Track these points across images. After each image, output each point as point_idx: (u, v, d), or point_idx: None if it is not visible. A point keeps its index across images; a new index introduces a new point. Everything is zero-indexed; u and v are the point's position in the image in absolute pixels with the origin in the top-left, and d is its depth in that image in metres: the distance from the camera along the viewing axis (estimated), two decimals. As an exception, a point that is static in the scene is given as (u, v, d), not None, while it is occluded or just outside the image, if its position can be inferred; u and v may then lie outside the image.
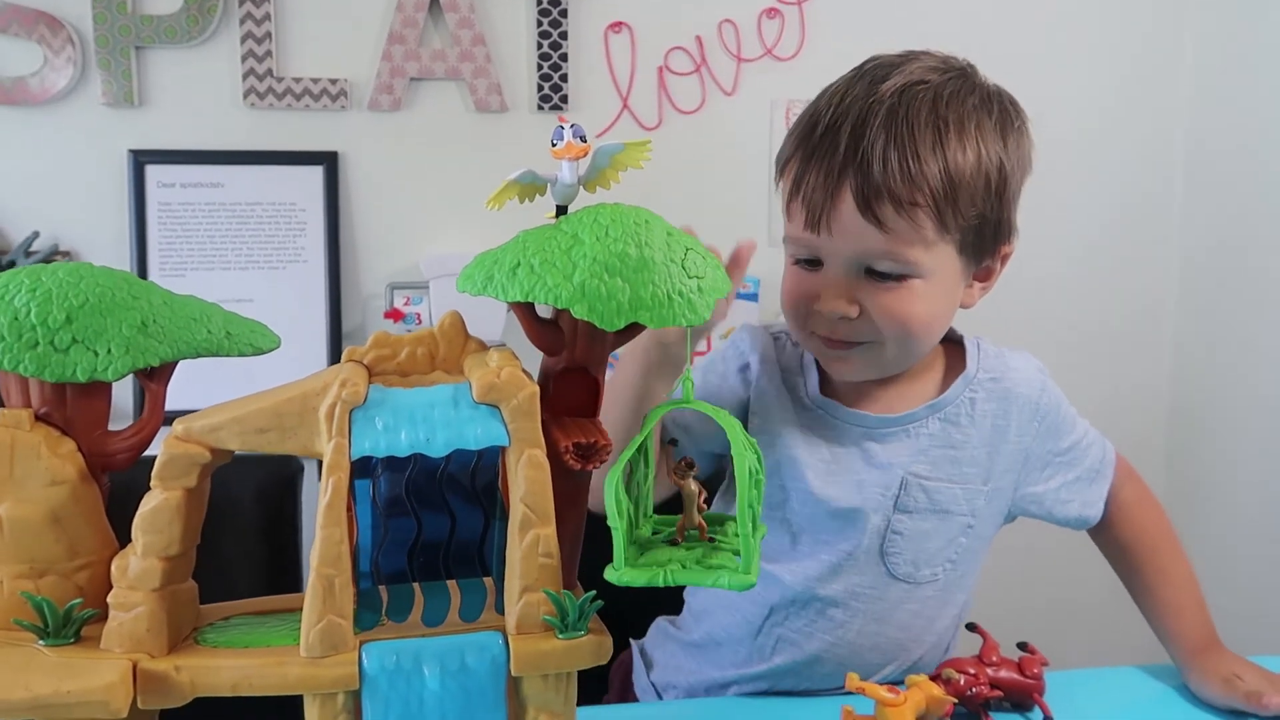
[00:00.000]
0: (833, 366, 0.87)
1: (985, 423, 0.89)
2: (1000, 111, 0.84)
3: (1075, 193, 1.90)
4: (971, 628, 0.88)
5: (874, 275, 0.81)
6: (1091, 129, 1.91)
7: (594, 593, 0.56)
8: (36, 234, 1.63)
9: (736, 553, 0.59)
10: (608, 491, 0.56)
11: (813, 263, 0.83)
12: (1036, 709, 0.82)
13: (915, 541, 0.88)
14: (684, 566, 0.58)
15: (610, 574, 0.57)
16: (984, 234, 0.83)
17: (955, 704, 0.80)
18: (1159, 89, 1.93)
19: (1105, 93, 1.91)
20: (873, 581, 0.89)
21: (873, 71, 0.83)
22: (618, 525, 0.56)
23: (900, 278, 0.81)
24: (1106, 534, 0.97)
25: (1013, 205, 0.85)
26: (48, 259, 1.61)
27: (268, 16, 1.67)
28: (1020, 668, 0.82)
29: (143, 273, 1.65)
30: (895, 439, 0.88)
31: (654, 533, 0.64)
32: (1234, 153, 1.84)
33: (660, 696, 0.99)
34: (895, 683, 0.77)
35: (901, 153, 0.78)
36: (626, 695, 1.03)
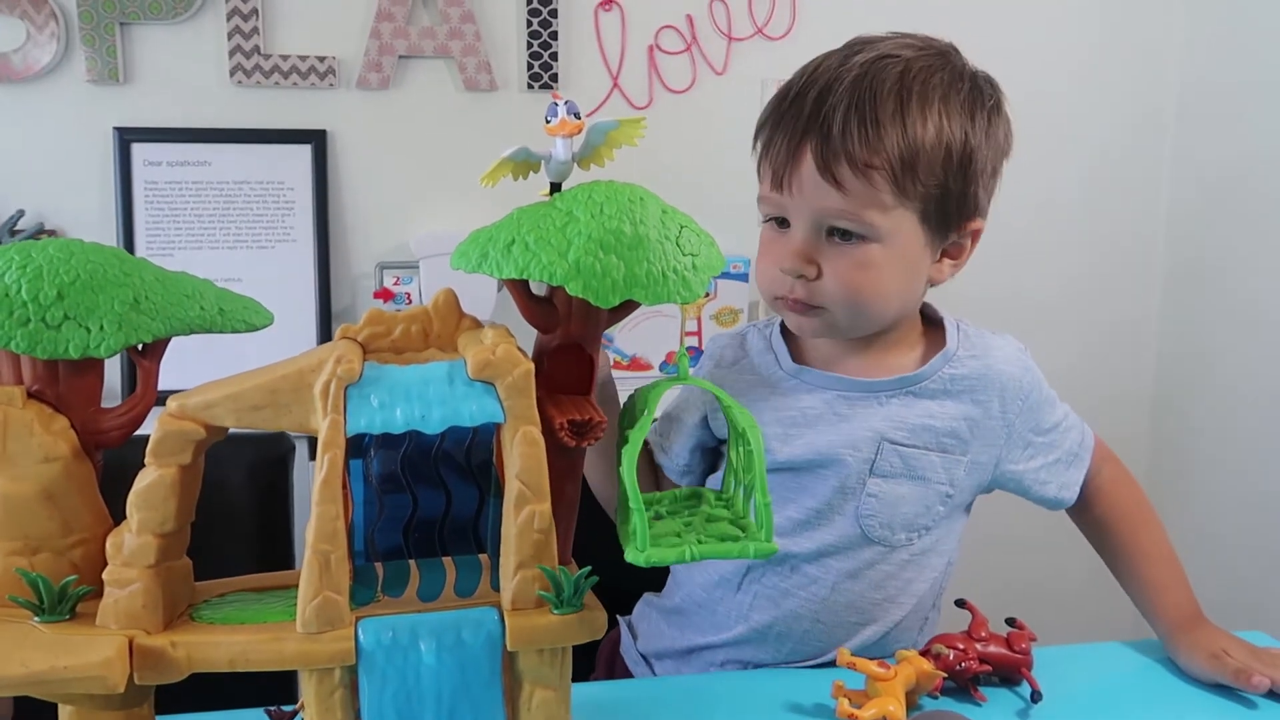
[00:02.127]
0: (795, 324, 0.90)
1: (965, 397, 0.91)
2: (972, 90, 0.86)
3: (1060, 162, 1.89)
4: (961, 603, 0.89)
5: (834, 237, 0.84)
6: (1079, 93, 1.90)
7: (589, 568, 0.56)
8: (21, 212, 1.61)
9: (731, 521, 0.60)
10: (626, 475, 0.56)
11: (782, 224, 0.87)
12: (1025, 684, 0.83)
13: (890, 505, 0.90)
14: (700, 540, 0.58)
15: (634, 555, 0.56)
16: (947, 206, 0.85)
17: (945, 678, 0.81)
18: (1148, 52, 1.92)
19: (1096, 53, 1.90)
20: (847, 542, 0.90)
21: (850, 46, 0.87)
22: (639, 507, 0.56)
23: (858, 241, 0.83)
24: (1087, 515, 0.99)
25: (979, 182, 0.87)
26: (33, 238, 1.60)
27: (254, -8, 1.65)
28: (1009, 643, 0.84)
29: (129, 252, 1.64)
30: (865, 403, 0.90)
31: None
32: (1222, 126, 1.85)
33: (651, 666, 1.00)
34: (884, 657, 0.78)
35: (861, 118, 0.81)
36: (613, 672, 1.04)
